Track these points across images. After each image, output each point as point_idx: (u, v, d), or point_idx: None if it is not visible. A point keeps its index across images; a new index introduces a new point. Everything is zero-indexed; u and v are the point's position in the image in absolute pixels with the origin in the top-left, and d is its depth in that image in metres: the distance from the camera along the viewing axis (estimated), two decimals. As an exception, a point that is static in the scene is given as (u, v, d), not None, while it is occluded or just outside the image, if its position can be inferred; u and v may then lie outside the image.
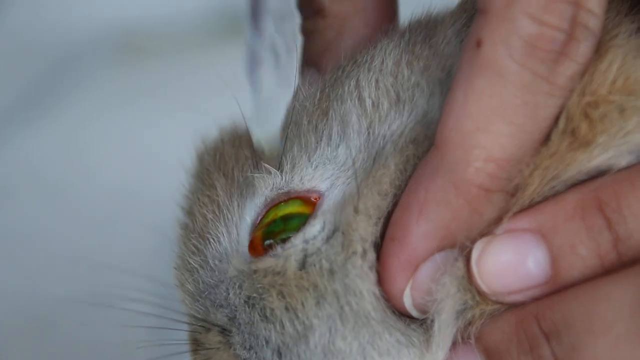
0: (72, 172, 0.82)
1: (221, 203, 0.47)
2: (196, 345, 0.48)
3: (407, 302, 0.41)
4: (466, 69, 0.39)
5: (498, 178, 0.39)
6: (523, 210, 0.40)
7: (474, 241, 0.41)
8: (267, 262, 0.44)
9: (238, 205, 0.47)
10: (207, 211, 0.47)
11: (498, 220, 0.41)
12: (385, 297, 0.42)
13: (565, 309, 0.39)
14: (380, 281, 0.42)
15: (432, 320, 0.41)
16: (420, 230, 0.40)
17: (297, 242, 0.44)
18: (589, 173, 0.40)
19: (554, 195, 0.40)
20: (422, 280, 0.41)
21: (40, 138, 0.89)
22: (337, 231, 0.43)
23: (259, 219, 0.45)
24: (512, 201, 0.41)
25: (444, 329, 0.41)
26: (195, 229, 0.48)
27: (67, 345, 0.69)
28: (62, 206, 0.82)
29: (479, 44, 0.39)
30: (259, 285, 0.44)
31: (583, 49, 0.38)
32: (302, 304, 0.43)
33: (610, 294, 0.38)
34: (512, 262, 0.40)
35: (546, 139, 0.40)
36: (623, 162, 0.39)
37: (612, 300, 0.38)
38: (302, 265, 0.43)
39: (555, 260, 0.39)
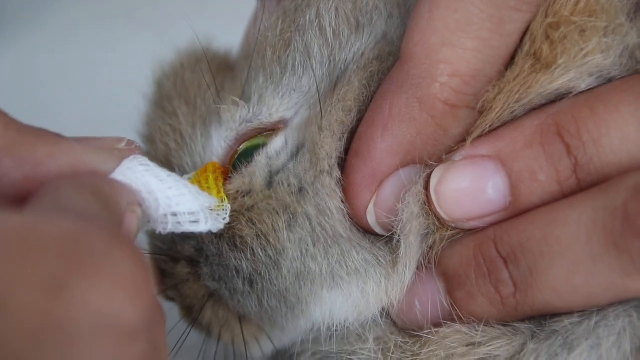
0: (39, 95, 0.80)
1: (184, 132, 0.46)
2: (162, 275, 0.48)
3: (371, 219, 0.41)
4: None
5: (464, 93, 0.39)
6: (482, 136, 0.40)
7: (439, 160, 0.40)
8: (233, 183, 0.44)
9: (201, 135, 0.46)
10: (169, 140, 0.47)
11: (464, 139, 0.40)
12: (350, 214, 0.42)
13: (523, 233, 0.39)
14: (345, 197, 0.42)
15: (398, 242, 0.42)
16: (385, 145, 0.39)
17: (259, 159, 0.44)
18: (548, 97, 0.39)
19: (513, 120, 0.40)
20: (386, 197, 0.41)
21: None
22: (303, 148, 0.43)
23: (231, 153, 0.45)
24: (475, 125, 0.40)
25: (410, 250, 0.41)
26: (157, 157, 0.47)
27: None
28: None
29: None
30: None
31: None
32: (274, 229, 0.43)
33: (567, 217, 0.38)
34: (471, 189, 0.40)
35: (511, 62, 0.40)
36: (583, 85, 0.39)
37: (569, 224, 0.38)
38: (269, 182, 0.43)
39: (515, 186, 0.39)
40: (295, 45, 0.44)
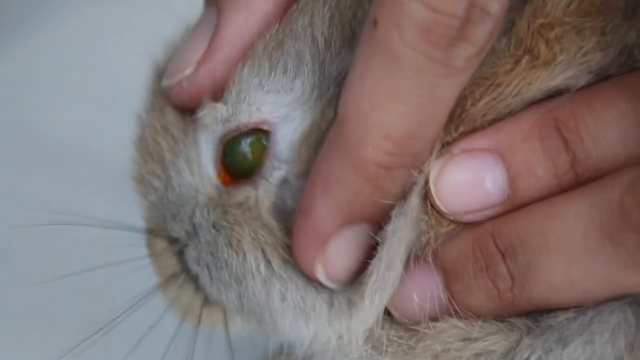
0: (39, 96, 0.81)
1: (176, 136, 0.46)
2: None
3: (321, 277, 0.41)
4: (364, 47, 0.38)
5: (397, 155, 0.38)
6: (480, 129, 0.41)
7: (384, 214, 0.40)
8: (240, 194, 0.44)
9: (194, 141, 0.45)
10: (160, 139, 0.46)
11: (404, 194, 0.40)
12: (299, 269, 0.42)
13: (521, 227, 0.39)
14: (293, 255, 0.42)
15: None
16: (324, 206, 0.39)
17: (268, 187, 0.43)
18: (547, 92, 0.40)
19: (510, 113, 0.40)
20: (334, 255, 0.40)
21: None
22: (300, 178, 0.43)
23: (219, 157, 0.45)
24: (461, 118, 0.41)
25: (383, 288, 0.42)
26: (149, 150, 0.47)
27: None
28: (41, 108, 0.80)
29: (375, 22, 0.37)
30: (231, 217, 0.44)
31: (480, 32, 0.36)
32: (270, 246, 0.43)
33: (565, 212, 0.38)
34: (470, 182, 0.40)
35: (491, 60, 0.40)
36: (582, 82, 0.40)
37: (566, 218, 0.38)
38: (274, 212, 0.43)
39: (513, 180, 0.40)
40: (287, 49, 0.43)
